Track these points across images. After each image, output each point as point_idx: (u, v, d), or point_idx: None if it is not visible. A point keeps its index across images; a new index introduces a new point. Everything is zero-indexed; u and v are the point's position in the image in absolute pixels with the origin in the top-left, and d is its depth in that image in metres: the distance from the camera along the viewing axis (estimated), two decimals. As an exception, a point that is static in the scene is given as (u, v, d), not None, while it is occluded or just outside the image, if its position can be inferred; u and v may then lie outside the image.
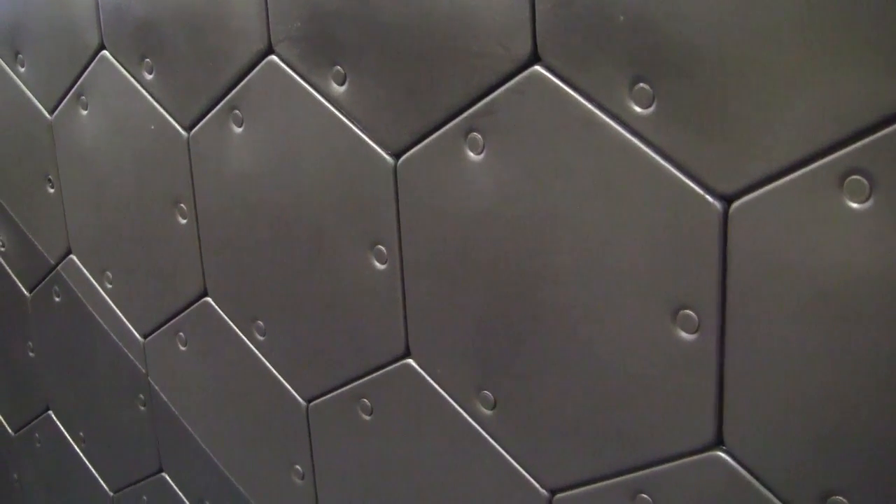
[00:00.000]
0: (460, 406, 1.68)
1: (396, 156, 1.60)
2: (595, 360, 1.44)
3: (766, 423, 1.29)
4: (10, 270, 2.79)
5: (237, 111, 1.85)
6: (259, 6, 1.73)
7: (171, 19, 1.92)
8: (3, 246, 2.77)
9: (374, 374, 1.81)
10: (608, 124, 1.32)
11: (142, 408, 2.42)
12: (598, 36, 1.29)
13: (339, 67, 1.63)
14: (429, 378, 1.71)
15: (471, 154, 1.49)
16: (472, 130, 1.48)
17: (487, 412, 1.64)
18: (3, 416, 3.13)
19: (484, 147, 1.47)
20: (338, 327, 1.83)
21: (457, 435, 1.70)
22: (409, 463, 1.82)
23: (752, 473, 1.33)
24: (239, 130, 1.85)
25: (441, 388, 1.70)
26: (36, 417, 2.93)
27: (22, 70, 2.43)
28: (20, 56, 2.42)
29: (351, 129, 1.65)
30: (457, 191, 1.53)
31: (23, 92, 2.44)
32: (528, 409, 1.58)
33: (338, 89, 1.65)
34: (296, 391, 1.98)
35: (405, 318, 1.70)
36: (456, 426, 1.70)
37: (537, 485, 1.60)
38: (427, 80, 1.51)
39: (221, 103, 1.87)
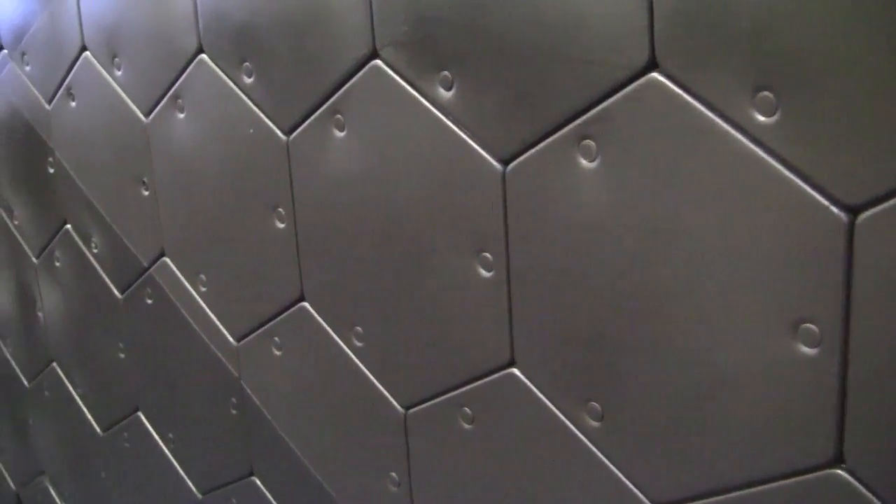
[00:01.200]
0: (566, 417, 1.70)
1: (505, 162, 1.63)
2: (709, 373, 1.45)
3: (889, 441, 1.29)
4: (102, 272, 2.87)
5: (339, 116, 1.89)
6: (364, 10, 1.77)
7: (273, 23, 1.97)
8: (95, 247, 2.86)
9: (477, 383, 1.83)
10: (729, 133, 1.32)
11: (233, 411, 2.48)
12: (720, 42, 1.30)
13: (446, 73, 1.66)
14: (534, 388, 1.74)
15: (583, 161, 1.51)
16: (585, 137, 1.50)
17: (594, 424, 1.66)
18: (92, 415, 3.23)
19: (597, 154, 1.49)
20: (439, 335, 1.86)
21: (561, 446, 1.72)
22: (510, 474, 1.84)
23: (872, 492, 1.33)
24: (341, 135, 1.90)
25: (546, 398, 1.72)
26: (125, 417, 3.02)
27: (118, 73, 2.50)
28: (117, 59, 2.49)
29: (458, 135, 1.67)
30: (568, 199, 1.55)
31: (119, 95, 2.52)
32: (636, 422, 1.59)
33: (445, 95, 1.68)
34: (394, 398, 2.01)
35: (511, 326, 1.72)
36: (561, 437, 1.72)
37: (644, 498, 1.62)
38: (538, 87, 1.53)
39: (323, 108, 1.91)
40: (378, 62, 1.78)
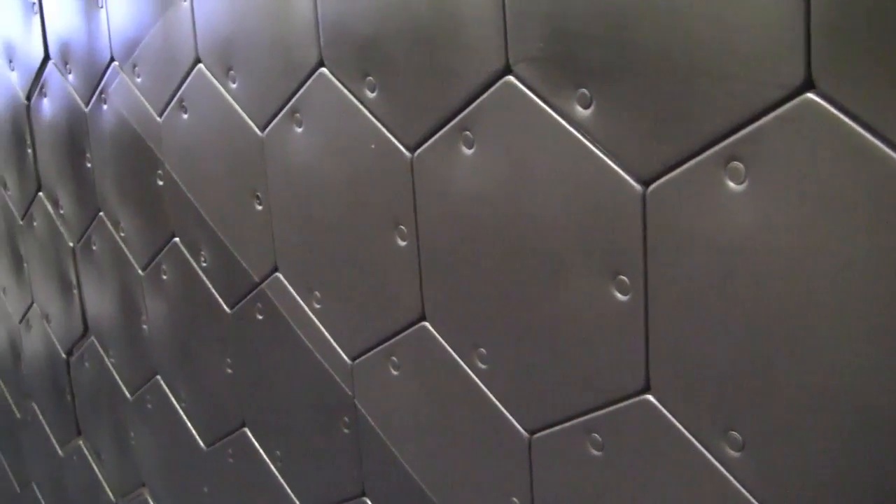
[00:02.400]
0: (704, 446, 1.69)
1: (646, 183, 1.62)
2: (860, 403, 1.43)
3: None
4: (210, 286, 2.93)
5: (468, 132, 1.90)
6: (496, 25, 1.78)
7: (399, 36, 1.99)
8: (204, 261, 2.92)
9: (608, 409, 1.83)
10: (890, 157, 1.30)
11: (345, 430, 2.51)
12: (881, 61, 1.28)
13: (584, 90, 1.67)
14: (669, 415, 1.73)
15: (731, 184, 1.50)
16: (733, 159, 1.49)
17: (734, 454, 1.64)
18: (196, 429, 3.29)
19: (746, 177, 1.48)
20: (569, 358, 1.86)
21: (698, 476, 1.71)
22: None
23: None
24: (469, 152, 1.91)
25: (683, 426, 1.71)
26: (230, 433, 3.07)
27: (233, 86, 2.55)
28: (232, 72, 2.54)
29: (596, 154, 1.68)
30: (712, 222, 1.54)
31: (233, 108, 2.57)
32: (780, 453, 1.57)
33: (582, 113, 1.68)
34: (518, 422, 2.02)
35: (647, 351, 1.72)
36: (697, 467, 1.70)
37: (788, 534, 1.60)
38: (683, 105, 1.53)
39: (451, 124, 1.93)
40: (511, 78, 1.79)
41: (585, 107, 1.68)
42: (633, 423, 1.80)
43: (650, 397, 1.75)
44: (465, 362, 2.09)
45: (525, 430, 2.02)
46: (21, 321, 4.67)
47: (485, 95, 1.85)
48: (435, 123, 1.97)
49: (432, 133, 1.98)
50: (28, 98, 3.91)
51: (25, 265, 4.43)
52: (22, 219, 4.29)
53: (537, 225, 1.82)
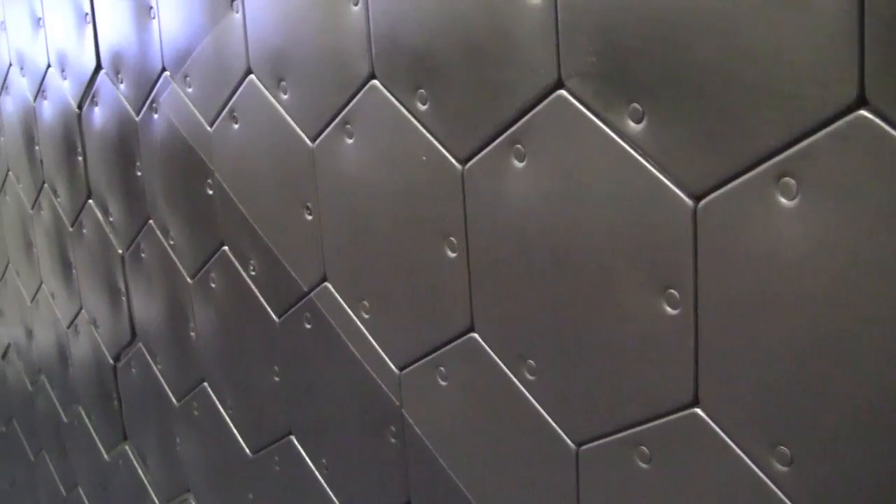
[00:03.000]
0: (752, 461, 1.70)
1: (697, 198, 1.64)
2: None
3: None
4: (259, 295, 2.98)
5: (519, 146, 1.93)
6: (549, 40, 1.81)
7: (451, 50, 2.02)
8: (253, 270, 2.97)
9: (656, 422, 1.85)
10: (945, 175, 1.32)
11: (392, 440, 2.55)
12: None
13: (636, 105, 1.69)
14: (718, 429, 1.75)
15: (782, 200, 1.52)
16: (784, 175, 1.51)
17: (782, 469, 1.66)
18: (242, 436, 3.34)
19: (798, 193, 1.50)
20: (618, 371, 1.88)
21: (746, 491, 1.72)
22: (689, 517, 1.86)
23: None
24: (520, 165, 1.94)
25: (731, 440, 1.73)
26: (276, 441, 3.12)
27: (284, 97, 2.60)
28: (283, 83, 2.59)
29: (647, 168, 1.70)
30: (763, 237, 1.56)
31: (284, 119, 2.62)
32: (829, 469, 1.59)
33: (634, 127, 1.71)
34: (566, 434, 2.04)
35: (696, 365, 1.74)
36: (746, 482, 1.72)
37: (838, 550, 1.61)
38: (736, 121, 1.55)
39: (502, 137, 1.96)
40: (563, 92, 1.82)
41: (637, 121, 1.70)
42: (681, 437, 1.82)
43: (699, 411, 1.77)
44: (513, 373, 2.12)
45: (573, 441, 2.04)
46: (69, 326, 4.75)
47: (537, 109, 1.88)
48: (486, 136, 2.00)
49: (483, 146, 2.01)
50: (79, 107, 3.99)
51: (74, 271, 4.51)
52: (72, 226, 4.37)
53: (588, 238, 1.84)
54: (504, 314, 2.09)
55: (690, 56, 1.58)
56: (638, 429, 1.90)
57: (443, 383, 2.32)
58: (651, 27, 1.63)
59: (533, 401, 2.09)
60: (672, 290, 1.73)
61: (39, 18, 4.20)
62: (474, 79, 1.99)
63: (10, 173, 5.02)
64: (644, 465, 1.91)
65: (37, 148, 4.57)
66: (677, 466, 1.85)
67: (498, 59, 1.93)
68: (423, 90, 2.13)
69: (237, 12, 2.72)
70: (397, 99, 2.21)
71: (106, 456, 4.73)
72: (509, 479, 2.23)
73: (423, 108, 2.14)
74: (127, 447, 4.47)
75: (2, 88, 4.82)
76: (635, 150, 1.72)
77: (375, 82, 2.26)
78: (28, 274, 5.16)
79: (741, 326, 1.64)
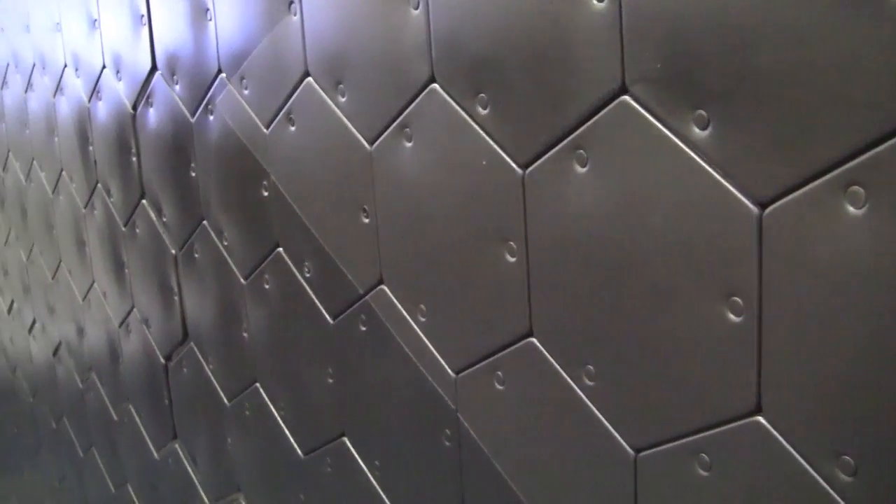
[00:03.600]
0: (815, 470, 1.70)
1: (762, 206, 1.65)
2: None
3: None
4: (313, 296, 3.01)
5: (581, 151, 1.94)
6: (614, 45, 1.82)
7: (513, 55, 2.04)
8: (308, 272, 3.00)
9: (717, 430, 1.85)
10: None
11: (447, 443, 2.56)
12: None
13: (701, 111, 1.70)
14: (780, 438, 1.75)
15: (850, 208, 1.52)
16: (852, 184, 1.51)
17: (846, 479, 1.66)
18: (294, 437, 3.38)
19: (866, 202, 1.50)
20: (679, 377, 1.89)
21: (808, 500, 1.72)
22: (750, 525, 1.86)
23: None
24: (582, 171, 1.95)
25: (794, 449, 1.73)
26: (329, 442, 3.15)
27: (342, 100, 2.63)
28: (341, 86, 2.62)
29: (712, 175, 1.71)
30: (830, 245, 1.56)
31: (342, 122, 2.64)
32: (893, 478, 1.59)
33: (699, 134, 1.71)
34: (624, 440, 2.05)
35: (759, 373, 1.74)
36: (808, 491, 1.72)
37: (903, 562, 1.61)
38: (804, 129, 1.55)
39: (564, 142, 1.97)
40: (627, 98, 1.83)
41: (703, 128, 1.71)
42: (742, 445, 1.82)
43: (761, 419, 1.77)
44: (571, 379, 2.13)
45: (631, 448, 2.05)
46: (121, 325, 4.82)
47: (600, 115, 1.89)
48: (548, 141, 2.01)
49: (545, 151, 2.03)
50: (134, 107, 4.05)
51: (126, 271, 4.57)
52: (125, 225, 4.43)
53: (651, 244, 1.85)
54: (563, 319, 2.10)
55: (758, 63, 1.59)
56: (698, 436, 1.90)
57: (499, 387, 2.33)
58: (719, 34, 1.63)
59: (591, 406, 2.10)
60: (736, 298, 1.73)
61: (95, 20, 4.26)
62: (536, 83, 2.01)
63: (63, 173, 5.09)
64: (704, 473, 1.91)
65: (91, 148, 4.64)
66: (738, 475, 1.85)
67: (561, 63, 1.94)
68: (483, 94, 2.15)
69: (295, 15, 2.75)
70: (457, 103, 2.23)
71: (156, 454, 4.78)
72: (566, 484, 2.24)
73: (483, 112, 2.16)
74: (177, 446, 4.52)
75: (57, 89, 4.89)
76: (700, 157, 1.72)
77: (435, 86, 2.28)
78: (80, 273, 5.24)
79: (805, 334, 1.65)
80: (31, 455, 7.45)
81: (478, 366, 2.39)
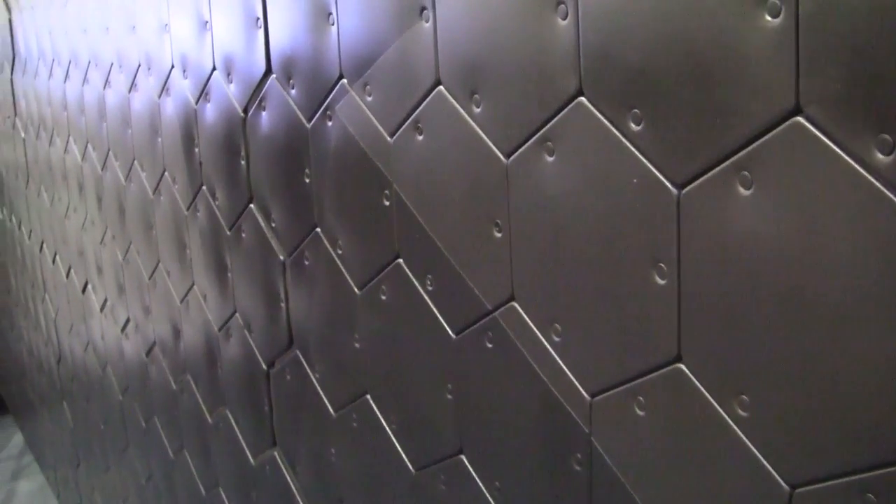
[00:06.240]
0: None
1: (954, 238, 1.58)
2: None
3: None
4: (435, 310, 2.98)
5: (746, 173, 1.89)
6: (787, 63, 1.76)
7: (673, 69, 1.99)
8: (430, 285, 2.98)
9: (887, 469, 1.78)
10: None
11: (577, 467, 2.52)
12: None
13: (886, 136, 1.63)
14: (960, 483, 1.68)
15: None
16: None
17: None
18: (405, 452, 3.36)
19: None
20: (847, 413, 1.82)
21: None
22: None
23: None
24: (746, 193, 1.90)
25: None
26: (444, 459, 3.12)
27: (477, 110, 2.60)
28: (476, 96, 2.59)
29: (897, 203, 1.64)
30: None
31: (476, 133, 2.61)
32: None
33: (883, 160, 1.65)
34: (779, 475, 1.99)
35: (940, 414, 1.68)
36: None
37: None
38: None
39: (727, 163, 1.92)
40: (801, 119, 1.77)
41: (887, 153, 1.64)
42: (917, 487, 1.76)
43: (938, 461, 1.71)
44: (722, 408, 2.07)
45: (786, 483, 1.99)
46: (220, 329, 4.85)
47: (769, 135, 1.83)
48: (708, 161, 1.96)
49: (704, 171, 1.98)
50: (245, 111, 4.07)
51: (230, 275, 4.60)
52: (230, 229, 4.46)
53: (823, 273, 1.79)
54: (716, 346, 2.04)
55: (956, 86, 1.52)
56: (864, 475, 1.83)
57: (640, 413, 2.28)
58: (913, 54, 1.57)
59: (744, 438, 2.04)
60: (912, 336, 1.67)
61: (206, 22, 4.29)
62: (697, 100, 1.96)
63: (166, 174, 5.15)
64: (870, 514, 1.84)
65: (196, 150, 4.67)
66: (909, 518, 1.79)
67: (726, 80, 1.89)
68: (636, 110, 2.10)
69: (427, 22, 2.73)
70: (607, 118, 2.18)
71: (252, 460, 4.81)
72: (711, 516, 2.18)
73: (636, 128, 2.11)
74: (275, 453, 4.54)
75: (163, 90, 4.94)
76: (883, 185, 1.66)
77: (583, 99, 2.24)
78: (179, 275, 5.29)
79: None
80: (118, 452, 7.56)
81: (617, 389, 2.34)
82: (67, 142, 7.04)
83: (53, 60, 7.03)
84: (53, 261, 8.38)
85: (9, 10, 8.20)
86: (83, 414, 8.57)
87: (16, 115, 8.71)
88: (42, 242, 8.72)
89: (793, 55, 1.76)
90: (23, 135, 8.58)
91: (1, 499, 11.75)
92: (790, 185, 1.82)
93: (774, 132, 1.82)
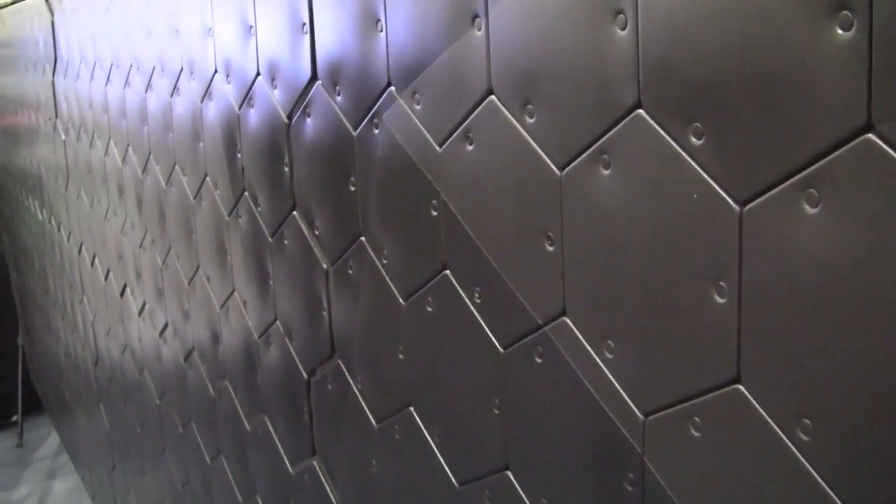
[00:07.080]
0: None
1: None
2: None
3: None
4: (483, 323, 2.95)
5: (812, 190, 1.84)
6: (858, 78, 1.72)
7: (736, 83, 1.95)
8: (478, 297, 2.94)
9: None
10: None
11: (628, 487, 2.48)
12: None
13: (963, 155, 1.59)
14: None
15: None
16: None
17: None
18: (449, 465, 3.33)
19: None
20: (914, 441, 1.77)
21: None
22: None
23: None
24: (813, 211, 1.85)
25: None
26: (491, 474, 3.08)
27: (530, 121, 2.56)
28: (529, 106, 2.56)
29: (976, 226, 1.59)
30: None
31: (528, 144, 2.58)
32: None
33: (960, 180, 1.60)
34: (843, 501, 1.94)
35: None
36: None
37: None
38: None
39: (793, 180, 1.87)
40: (872, 136, 1.72)
41: (964, 173, 1.60)
42: None
43: None
44: (783, 432, 2.02)
45: (850, 510, 1.94)
46: (260, 336, 4.84)
47: (838, 152, 1.79)
48: (773, 178, 1.92)
49: (769, 188, 1.93)
50: (289, 117, 4.05)
51: (271, 282, 4.59)
52: (272, 236, 4.45)
53: (892, 297, 1.74)
54: (778, 368, 2.00)
55: None
56: (933, 506, 1.78)
57: (696, 434, 2.24)
58: None
59: (805, 463, 1.99)
60: None
61: (251, 27, 4.28)
62: (762, 115, 1.91)
63: (207, 179, 5.15)
64: (938, 545, 1.79)
65: (239, 156, 4.67)
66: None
67: (794, 94, 1.84)
68: (698, 124, 2.06)
69: (479, 30, 2.70)
70: (666, 131, 2.14)
71: (291, 469, 4.79)
72: (770, 543, 2.13)
73: (697, 143, 2.07)
74: (315, 462, 4.52)
75: (205, 95, 4.94)
76: (960, 205, 1.61)
77: (641, 112, 2.20)
78: (219, 280, 5.28)
79: None
80: (155, 456, 7.58)
81: (671, 409, 2.29)
82: (108, 145, 7.07)
83: (95, 63, 7.06)
84: (92, 263, 8.42)
85: (51, 12, 8.25)
86: (120, 416, 8.61)
87: (57, 117, 8.77)
88: (81, 245, 8.77)
89: (865, 69, 1.71)
90: (63, 137, 8.63)
91: (36, 497, 11.85)
92: (859, 204, 1.77)
93: (844, 149, 1.78)
